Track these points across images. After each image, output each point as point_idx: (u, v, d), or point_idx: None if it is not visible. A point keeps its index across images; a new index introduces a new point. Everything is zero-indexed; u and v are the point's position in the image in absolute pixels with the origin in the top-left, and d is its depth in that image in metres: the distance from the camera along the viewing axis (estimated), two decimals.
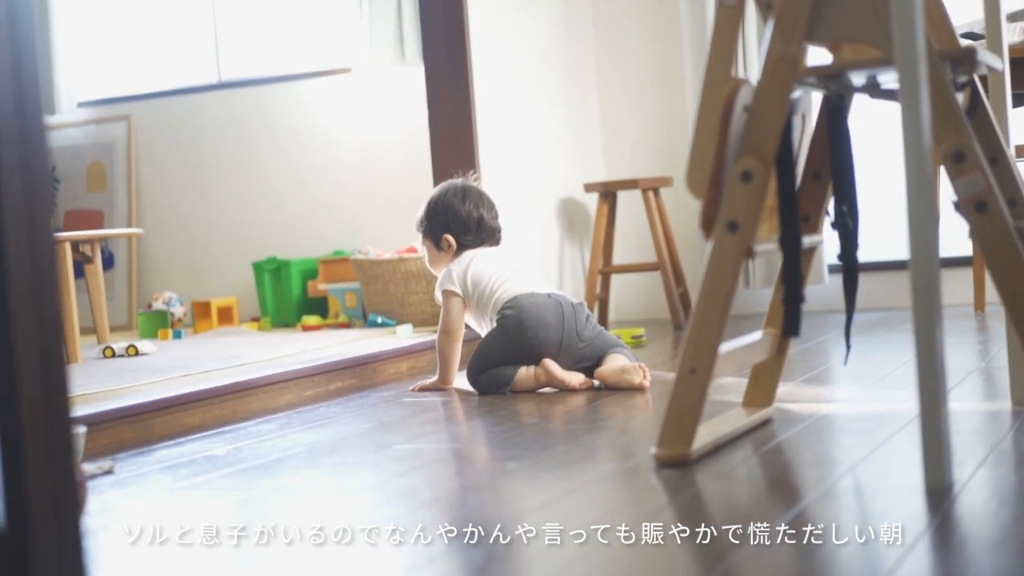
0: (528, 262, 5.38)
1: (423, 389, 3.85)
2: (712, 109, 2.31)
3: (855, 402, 3.10)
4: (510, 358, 3.67)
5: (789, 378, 3.43)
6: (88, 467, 2.70)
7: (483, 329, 3.85)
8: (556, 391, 3.61)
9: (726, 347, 2.45)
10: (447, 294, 3.86)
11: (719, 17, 2.35)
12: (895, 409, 2.88)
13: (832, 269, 5.63)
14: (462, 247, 3.94)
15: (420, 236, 4.04)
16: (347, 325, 5.70)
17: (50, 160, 1.48)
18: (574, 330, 3.69)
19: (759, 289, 5.69)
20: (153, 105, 6.88)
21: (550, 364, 3.62)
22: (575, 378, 3.62)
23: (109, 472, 2.73)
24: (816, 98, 2.67)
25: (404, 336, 4.79)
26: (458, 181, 4.05)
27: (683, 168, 2.39)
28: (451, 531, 2.01)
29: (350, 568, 1.85)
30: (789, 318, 2.53)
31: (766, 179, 2.32)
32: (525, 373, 3.65)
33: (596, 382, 3.63)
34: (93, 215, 6.88)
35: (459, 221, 3.94)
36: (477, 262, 3.87)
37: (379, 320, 5.40)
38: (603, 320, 5.74)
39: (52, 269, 1.50)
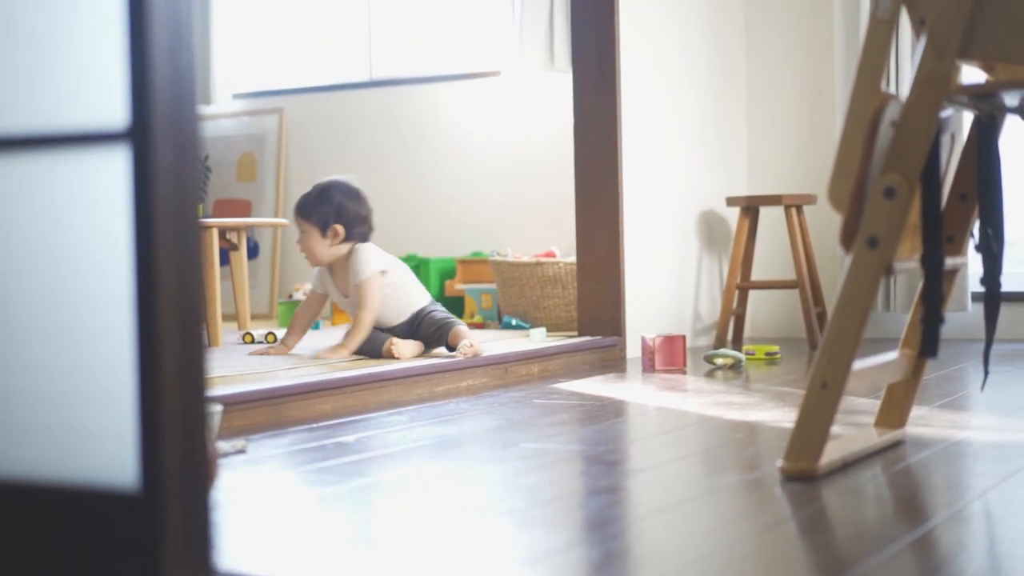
0: (660, 272, 5.37)
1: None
2: (858, 122, 2.29)
3: (990, 430, 3.04)
4: None
5: (924, 402, 3.37)
6: (222, 445, 2.76)
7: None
8: None
9: (860, 364, 2.42)
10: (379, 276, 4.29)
11: (871, 30, 2.32)
12: None
13: (975, 297, 5.52)
14: (351, 238, 4.33)
15: (303, 221, 4.34)
16: (482, 325, 5.74)
17: (202, 145, 1.52)
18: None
19: (899, 313, 5.60)
20: (305, 99, 7.01)
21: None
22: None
23: (242, 451, 2.79)
24: (967, 118, 2.63)
25: (538, 339, 4.81)
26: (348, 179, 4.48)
27: (827, 184, 2.37)
28: (571, 528, 2.02)
29: (468, 557, 1.87)
30: (927, 338, 2.50)
31: (910, 196, 2.29)
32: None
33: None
34: (241, 204, 7.03)
35: (352, 216, 4.32)
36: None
37: (514, 322, 5.43)
38: (738, 335, 5.70)
39: (196, 249, 1.55)
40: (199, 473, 1.53)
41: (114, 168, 1.54)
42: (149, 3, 1.47)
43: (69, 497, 1.60)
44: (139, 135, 1.48)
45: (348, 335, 4.26)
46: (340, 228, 4.29)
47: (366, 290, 4.27)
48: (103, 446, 1.60)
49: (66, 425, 1.64)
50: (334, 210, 4.30)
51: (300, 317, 4.49)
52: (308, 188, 4.44)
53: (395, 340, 4.18)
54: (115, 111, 1.54)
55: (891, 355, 2.66)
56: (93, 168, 1.56)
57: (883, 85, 2.33)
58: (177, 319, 1.49)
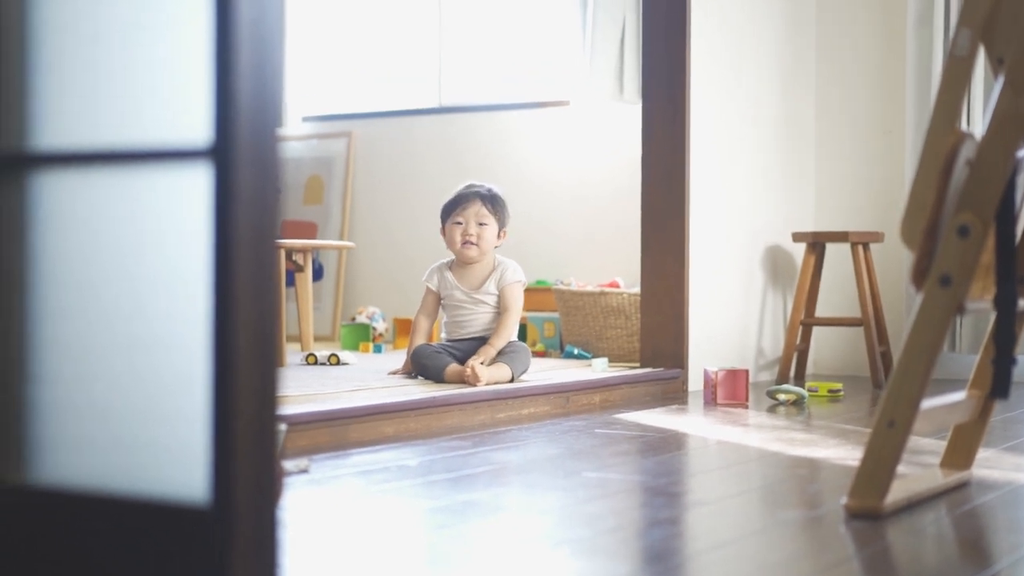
0: (724, 305, 5.36)
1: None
2: (933, 160, 2.27)
3: None
4: None
5: (990, 444, 3.34)
6: (286, 465, 2.77)
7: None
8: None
9: (927, 404, 2.40)
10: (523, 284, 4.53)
11: (948, 67, 2.31)
12: None
13: None
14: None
15: (490, 214, 4.47)
16: (543, 354, 5.74)
17: (282, 166, 1.54)
18: None
19: (964, 354, 5.54)
20: (374, 124, 7.06)
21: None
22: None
23: (305, 471, 2.81)
24: None
25: (599, 369, 4.81)
26: None
27: (896, 224, 2.36)
28: (632, 559, 2.02)
29: None
30: (998, 380, 2.47)
31: (984, 235, 2.28)
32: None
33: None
34: (307, 226, 7.08)
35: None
36: None
37: (576, 351, 5.43)
38: (801, 371, 5.67)
39: (274, 268, 1.56)
40: (268, 490, 1.55)
41: (195, 185, 1.56)
42: (236, 23, 1.49)
43: (139, 510, 1.62)
44: (222, 153, 1.50)
45: (495, 335, 4.34)
46: (505, 233, 4.50)
47: (516, 293, 4.45)
48: (174, 460, 1.61)
49: (138, 438, 1.66)
50: (508, 217, 4.52)
51: (421, 322, 4.54)
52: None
53: (476, 367, 4.11)
54: (198, 129, 1.56)
55: (959, 395, 2.63)
56: (175, 184, 1.58)
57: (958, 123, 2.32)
58: (253, 337, 1.51)
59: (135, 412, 1.66)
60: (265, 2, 1.55)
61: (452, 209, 4.48)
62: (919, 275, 2.32)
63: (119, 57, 1.66)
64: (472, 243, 4.41)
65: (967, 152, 2.30)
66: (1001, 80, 2.29)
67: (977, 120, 5.34)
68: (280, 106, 1.57)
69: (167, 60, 1.62)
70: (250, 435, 1.50)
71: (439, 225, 4.58)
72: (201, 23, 1.56)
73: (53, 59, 1.71)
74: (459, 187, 4.55)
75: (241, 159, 1.48)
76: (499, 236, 4.48)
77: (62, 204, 1.71)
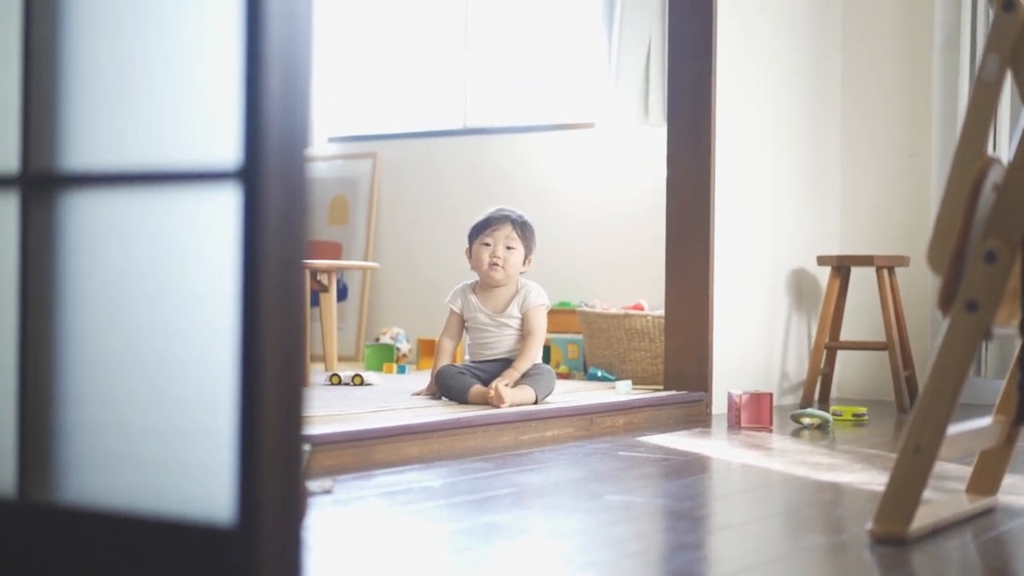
0: (748, 328, 5.35)
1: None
2: (961, 185, 2.27)
3: None
4: None
5: (1016, 470, 3.32)
6: (310, 485, 2.78)
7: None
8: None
9: (953, 429, 2.39)
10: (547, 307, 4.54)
11: (976, 92, 2.31)
12: None
13: None
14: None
15: (519, 239, 4.51)
16: (567, 376, 5.74)
17: (312, 188, 1.55)
18: None
19: (990, 379, 5.52)
20: (399, 145, 7.08)
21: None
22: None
23: (328, 492, 2.81)
24: None
25: (623, 392, 4.80)
26: None
27: (922, 248, 2.35)
28: None
29: None
30: (1023, 405, 2.46)
31: (1011, 261, 2.27)
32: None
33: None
34: (332, 247, 7.10)
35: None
36: None
37: (599, 374, 5.42)
38: (825, 395, 5.65)
39: (301, 290, 1.57)
40: (294, 511, 1.55)
41: (224, 206, 1.57)
42: (266, 45, 1.50)
43: (164, 529, 1.63)
44: (251, 175, 1.51)
45: (519, 358, 4.36)
46: (531, 261, 4.54)
47: (539, 316, 4.47)
48: (200, 480, 1.62)
49: (164, 458, 1.67)
50: (535, 246, 4.55)
51: (445, 344, 4.55)
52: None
53: (500, 388, 4.12)
54: (228, 151, 1.57)
55: (984, 421, 2.62)
56: (204, 205, 1.59)
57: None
58: (280, 357, 1.51)
59: (161, 432, 1.67)
60: (294, 24, 1.56)
61: (482, 230, 4.49)
62: (945, 300, 2.31)
63: (150, 78, 1.67)
64: (498, 265, 4.42)
65: (995, 177, 2.29)
66: None
67: (1003, 146, 5.32)
68: (309, 128, 1.58)
69: (197, 82, 1.63)
70: (277, 456, 1.51)
71: (464, 246, 4.59)
72: (231, 45, 1.57)
73: (84, 80, 1.73)
74: (490, 209, 4.56)
75: (270, 181, 1.49)
76: (524, 263, 4.50)
77: (92, 224, 1.72)
